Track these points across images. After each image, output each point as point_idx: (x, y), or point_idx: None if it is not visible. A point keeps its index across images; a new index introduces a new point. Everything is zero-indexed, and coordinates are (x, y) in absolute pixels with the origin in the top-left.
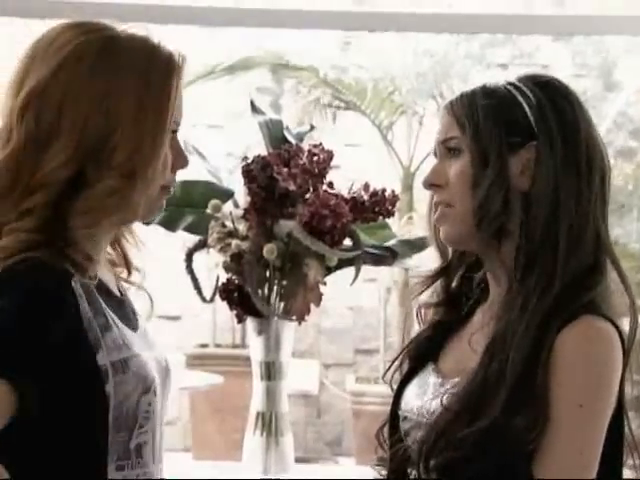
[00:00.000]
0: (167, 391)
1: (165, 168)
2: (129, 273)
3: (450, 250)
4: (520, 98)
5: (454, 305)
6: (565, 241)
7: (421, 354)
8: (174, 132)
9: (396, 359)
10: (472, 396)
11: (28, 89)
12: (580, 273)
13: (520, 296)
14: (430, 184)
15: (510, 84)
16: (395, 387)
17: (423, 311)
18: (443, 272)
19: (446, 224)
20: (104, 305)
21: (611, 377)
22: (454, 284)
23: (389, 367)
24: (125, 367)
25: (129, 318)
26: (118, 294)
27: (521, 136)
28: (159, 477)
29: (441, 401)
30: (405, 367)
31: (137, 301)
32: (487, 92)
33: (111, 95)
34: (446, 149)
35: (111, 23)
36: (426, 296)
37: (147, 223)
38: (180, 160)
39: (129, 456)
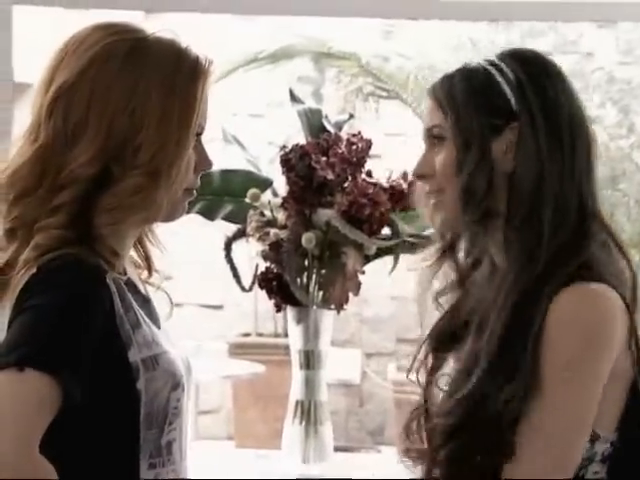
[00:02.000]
0: (189, 389)
1: (188, 170)
2: (150, 274)
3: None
4: (499, 78)
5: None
6: (550, 218)
7: (442, 344)
8: (198, 135)
9: (417, 354)
10: (461, 374)
11: (56, 87)
12: (565, 245)
13: (502, 272)
14: (418, 175)
15: (490, 63)
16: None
17: (440, 300)
18: (447, 254)
19: (441, 212)
20: (134, 302)
21: (603, 339)
22: (461, 264)
23: (412, 363)
24: (155, 364)
25: (154, 316)
26: (144, 292)
27: (503, 118)
28: (185, 474)
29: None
30: (430, 360)
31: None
32: (466, 74)
33: (137, 95)
34: (431, 137)
35: (140, 26)
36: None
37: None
38: (203, 163)
39: (160, 453)
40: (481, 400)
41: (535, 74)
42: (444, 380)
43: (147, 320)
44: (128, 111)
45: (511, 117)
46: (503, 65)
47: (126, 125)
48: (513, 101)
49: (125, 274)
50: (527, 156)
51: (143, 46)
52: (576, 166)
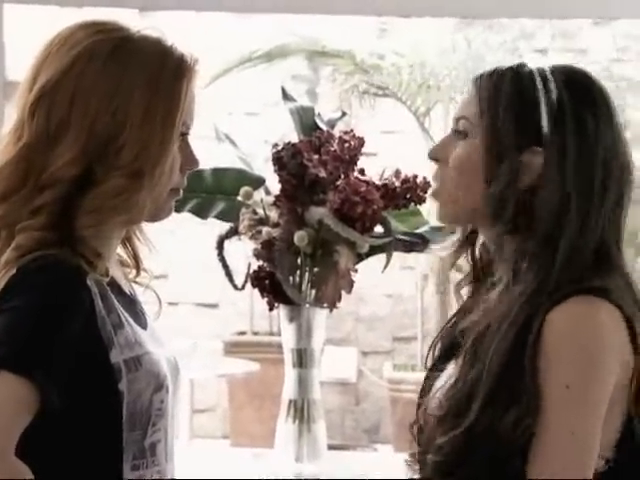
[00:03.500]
0: (177, 389)
1: (173, 170)
2: (138, 273)
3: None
4: (542, 96)
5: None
6: (566, 251)
7: (451, 341)
8: (184, 134)
9: (432, 347)
10: (452, 401)
11: (40, 86)
12: (574, 281)
13: (505, 301)
14: (431, 157)
15: (540, 75)
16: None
17: (459, 293)
18: (464, 245)
19: (438, 201)
20: (117, 303)
21: (602, 354)
22: (479, 257)
23: (427, 355)
24: (138, 365)
25: (139, 317)
26: (129, 293)
27: (529, 139)
28: (171, 475)
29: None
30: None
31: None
32: (515, 78)
33: (120, 95)
34: (457, 128)
35: (126, 24)
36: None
37: (177, 211)
38: (190, 162)
39: (144, 455)
40: (482, 432)
41: (580, 103)
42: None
43: (131, 321)
44: (110, 111)
45: (536, 141)
46: (552, 82)
47: (109, 125)
48: (546, 127)
49: (108, 275)
50: (552, 183)
51: (127, 45)
52: (603, 211)
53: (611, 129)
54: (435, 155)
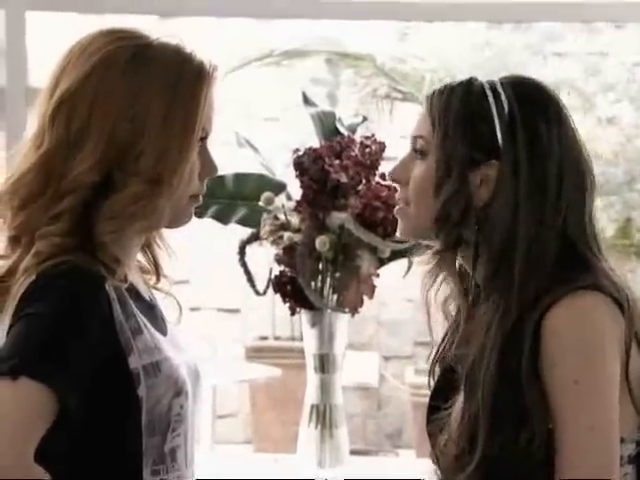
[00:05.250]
0: (198, 395)
1: (192, 177)
2: (157, 279)
3: None
4: (494, 110)
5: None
6: (522, 263)
7: (448, 367)
8: (203, 140)
9: (430, 372)
10: (461, 439)
11: (60, 93)
12: (540, 289)
13: (481, 321)
14: (392, 179)
15: (491, 87)
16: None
17: (445, 306)
18: (442, 261)
19: (403, 220)
20: (135, 309)
21: (603, 344)
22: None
23: (428, 380)
24: (157, 370)
25: (158, 323)
26: (148, 299)
27: (485, 152)
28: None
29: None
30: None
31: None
32: (464, 95)
33: (139, 102)
34: (414, 148)
35: (145, 31)
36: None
37: (199, 217)
38: (209, 168)
39: (164, 460)
40: (496, 461)
41: (531, 113)
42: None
43: (150, 327)
44: (129, 118)
45: (493, 154)
46: (502, 94)
47: (128, 132)
48: (500, 139)
49: (127, 281)
50: (503, 195)
51: (146, 52)
52: (559, 214)
53: (565, 135)
54: (395, 177)
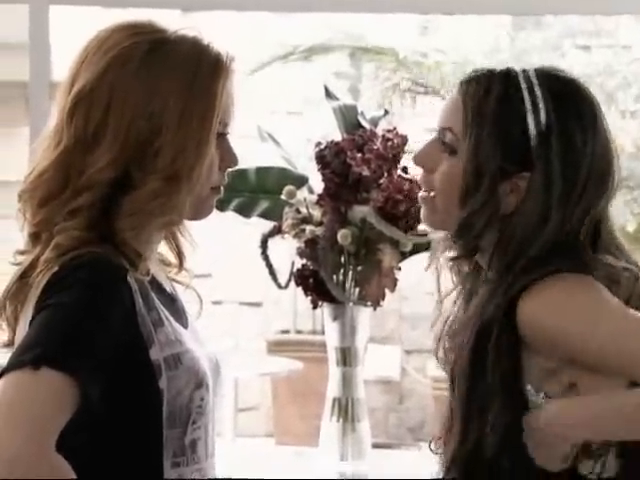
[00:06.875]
0: (218, 388)
1: (211, 171)
2: (180, 269)
3: None
4: (530, 117)
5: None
6: (526, 262)
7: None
8: (222, 134)
9: (439, 338)
10: (444, 430)
11: (77, 89)
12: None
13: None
14: (419, 165)
15: (529, 88)
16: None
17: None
18: (459, 263)
19: (426, 209)
20: (157, 301)
21: (596, 287)
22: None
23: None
24: (178, 362)
25: (180, 315)
26: (169, 291)
27: (518, 164)
28: (212, 472)
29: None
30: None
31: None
32: (502, 94)
33: (155, 98)
34: (442, 139)
35: (163, 24)
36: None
37: (221, 210)
38: (229, 160)
39: (184, 452)
40: (476, 449)
41: (566, 119)
42: None
43: (171, 319)
44: (146, 115)
45: (525, 165)
46: (539, 95)
47: (145, 128)
48: (534, 150)
49: (148, 274)
50: (532, 206)
51: (162, 47)
52: (573, 219)
53: (598, 143)
54: (421, 163)
